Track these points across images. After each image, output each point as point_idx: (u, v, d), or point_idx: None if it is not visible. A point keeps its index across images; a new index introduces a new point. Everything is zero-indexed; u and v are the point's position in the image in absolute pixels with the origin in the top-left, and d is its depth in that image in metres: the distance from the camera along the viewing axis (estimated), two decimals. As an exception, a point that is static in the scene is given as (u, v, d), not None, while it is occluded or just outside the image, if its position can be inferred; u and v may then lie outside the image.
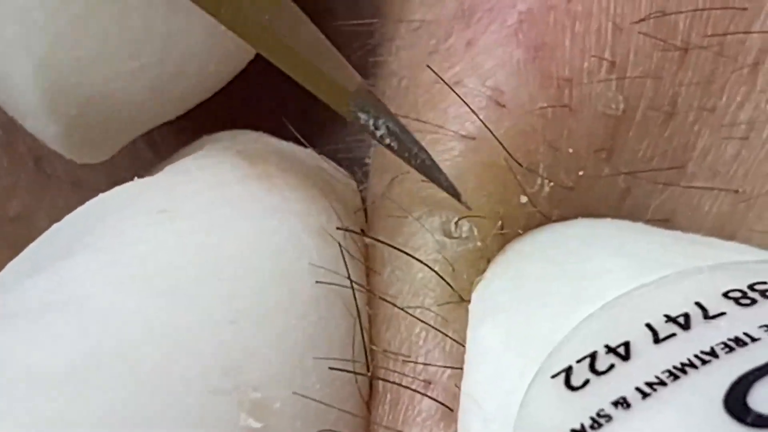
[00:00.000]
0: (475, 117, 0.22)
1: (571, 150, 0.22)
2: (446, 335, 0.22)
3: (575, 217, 0.23)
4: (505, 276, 0.22)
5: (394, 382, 0.22)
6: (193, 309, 0.20)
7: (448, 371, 0.21)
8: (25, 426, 0.17)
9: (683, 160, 0.23)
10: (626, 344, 0.18)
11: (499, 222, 0.22)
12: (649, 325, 0.18)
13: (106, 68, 0.24)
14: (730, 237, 0.23)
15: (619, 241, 0.22)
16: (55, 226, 0.23)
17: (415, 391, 0.21)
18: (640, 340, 0.18)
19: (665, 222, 0.23)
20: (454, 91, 0.23)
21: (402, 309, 0.22)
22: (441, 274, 0.22)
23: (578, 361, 0.18)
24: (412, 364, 0.22)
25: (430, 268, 0.22)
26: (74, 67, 0.23)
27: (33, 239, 0.23)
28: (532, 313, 0.21)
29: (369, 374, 0.22)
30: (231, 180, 0.23)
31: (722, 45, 0.22)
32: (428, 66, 0.23)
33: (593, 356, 0.18)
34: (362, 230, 0.24)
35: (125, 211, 0.22)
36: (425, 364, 0.22)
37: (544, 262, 0.22)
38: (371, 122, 0.22)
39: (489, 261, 0.22)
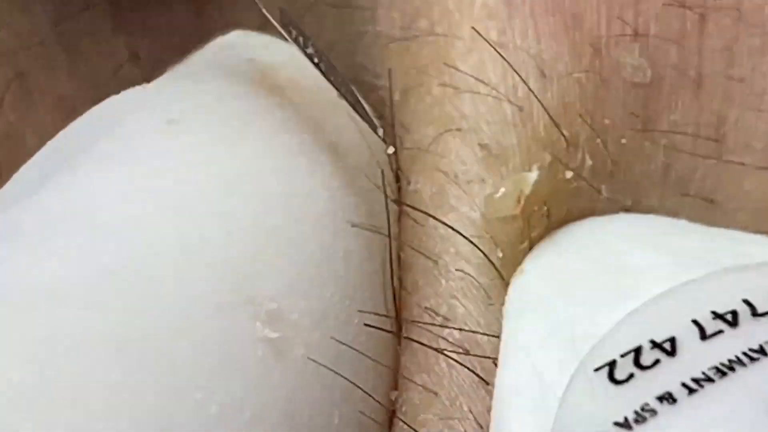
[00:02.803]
0: (518, 87, 0.22)
1: (607, 121, 0.22)
2: (489, 303, 0.21)
3: (623, 194, 0.23)
4: (543, 269, 0.22)
5: (429, 346, 0.21)
6: (201, 223, 0.20)
7: (486, 338, 0.21)
8: (37, 341, 0.17)
9: (718, 133, 0.22)
10: (672, 340, 0.17)
11: (544, 203, 0.22)
12: (695, 321, 0.18)
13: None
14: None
15: (661, 237, 0.22)
16: (63, 133, 0.22)
17: (447, 356, 0.21)
18: (687, 336, 0.17)
19: (710, 202, 0.23)
20: (501, 56, 0.22)
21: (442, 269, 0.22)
22: (482, 248, 0.22)
23: (622, 356, 0.18)
24: (448, 329, 0.21)
25: (474, 244, 0.22)
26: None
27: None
28: (573, 308, 0.21)
29: (395, 317, 0.22)
30: (241, 92, 0.22)
31: (740, 9, 0.22)
32: (473, 27, 0.23)
33: (638, 351, 0.18)
34: (397, 174, 0.23)
35: (133, 121, 0.22)
36: (461, 330, 0.21)
37: (584, 256, 0.22)
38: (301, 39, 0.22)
39: (531, 240, 0.22)
